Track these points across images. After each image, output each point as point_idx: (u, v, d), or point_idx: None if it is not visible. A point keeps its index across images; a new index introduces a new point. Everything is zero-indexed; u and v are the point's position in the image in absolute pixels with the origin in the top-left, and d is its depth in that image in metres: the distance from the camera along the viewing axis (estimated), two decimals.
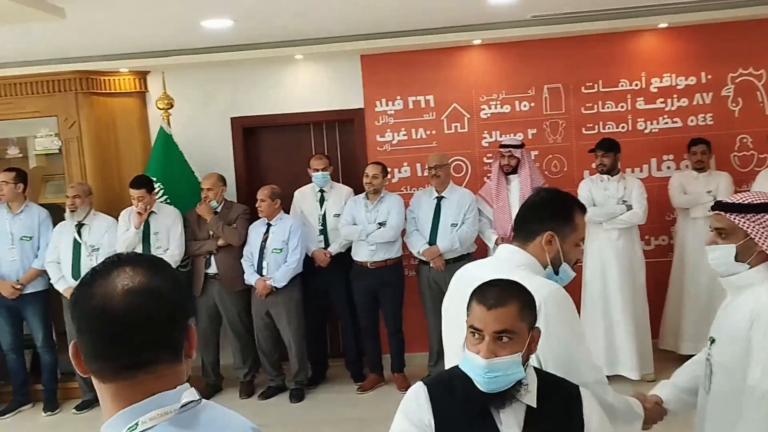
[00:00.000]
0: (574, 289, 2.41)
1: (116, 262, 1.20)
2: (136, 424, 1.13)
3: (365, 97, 5.74)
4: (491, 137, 5.70)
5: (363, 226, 5.22)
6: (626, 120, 5.60)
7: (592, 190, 5.12)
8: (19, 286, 5.18)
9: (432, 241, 5.17)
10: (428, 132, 5.74)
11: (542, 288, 1.92)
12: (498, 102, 5.68)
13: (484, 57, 5.67)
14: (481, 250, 5.33)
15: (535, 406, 1.73)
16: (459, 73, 5.68)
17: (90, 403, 5.26)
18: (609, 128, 5.59)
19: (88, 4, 3.64)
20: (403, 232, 5.32)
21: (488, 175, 5.51)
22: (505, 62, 5.64)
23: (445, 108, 5.71)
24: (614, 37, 5.47)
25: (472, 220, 5.17)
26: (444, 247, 5.12)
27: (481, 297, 1.73)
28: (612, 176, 5.11)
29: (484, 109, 5.69)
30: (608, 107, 5.61)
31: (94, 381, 1.19)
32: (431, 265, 5.15)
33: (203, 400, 1.22)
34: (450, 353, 2.16)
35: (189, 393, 1.19)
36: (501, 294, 1.72)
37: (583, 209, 2.16)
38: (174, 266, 5.10)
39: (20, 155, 5.74)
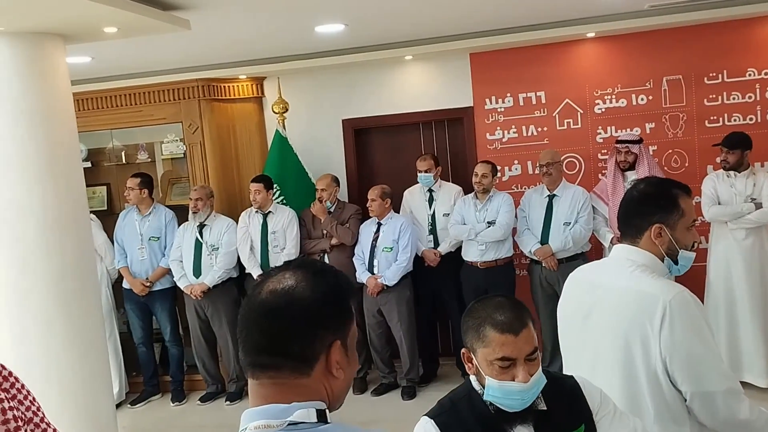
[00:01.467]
0: (697, 290, 2.29)
1: (290, 263, 1.24)
2: (245, 429, 1.14)
3: (474, 95, 5.71)
4: (606, 133, 5.52)
5: (472, 225, 5.19)
6: (755, 111, 5.27)
7: (717, 187, 4.84)
8: (148, 284, 5.52)
9: (544, 241, 5.07)
10: (539, 129, 5.64)
11: (666, 291, 1.84)
12: (613, 96, 5.49)
13: (598, 50, 5.50)
14: (595, 249, 5.18)
15: (545, 408, 1.69)
16: (571, 67, 5.54)
17: (213, 395, 5.54)
18: (735, 120, 5.28)
19: (212, 16, 3.83)
20: (514, 231, 5.26)
21: (603, 172, 5.35)
22: (621, 55, 5.45)
23: (557, 104, 5.59)
24: (738, 23, 5.17)
25: (586, 219, 5.03)
26: (556, 246, 5.01)
27: (501, 326, 1.65)
28: (739, 172, 4.81)
29: (598, 103, 5.53)
30: (734, 98, 5.30)
31: None
32: (543, 264, 5.06)
33: (327, 425, 1.14)
34: (568, 357, 2.12)
35: (303, 413, 1.13)
36: (516, 316, 1.66)
37: (686, 191, 2.04)
38: None
39: (149, 160, 6.11)
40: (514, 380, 1.63)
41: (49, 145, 3.56)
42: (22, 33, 3.45)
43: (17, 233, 3.49)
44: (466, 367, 1.74)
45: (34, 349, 3.50)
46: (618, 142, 5.09)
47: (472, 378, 1.74)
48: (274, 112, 5.76)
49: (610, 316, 1.94)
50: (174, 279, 5.48)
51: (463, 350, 1.74)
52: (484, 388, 1.68)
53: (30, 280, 3.52)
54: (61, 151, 3.63)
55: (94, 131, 5.79)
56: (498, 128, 5.70)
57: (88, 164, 5.90)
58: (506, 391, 1.64)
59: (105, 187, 6.18)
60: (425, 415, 1.77)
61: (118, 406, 5.04)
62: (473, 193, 5.29)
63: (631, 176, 4.98)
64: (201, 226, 5.42)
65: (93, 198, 5.96)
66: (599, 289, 2.00)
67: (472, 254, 5.24)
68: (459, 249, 5.39)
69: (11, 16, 3.20)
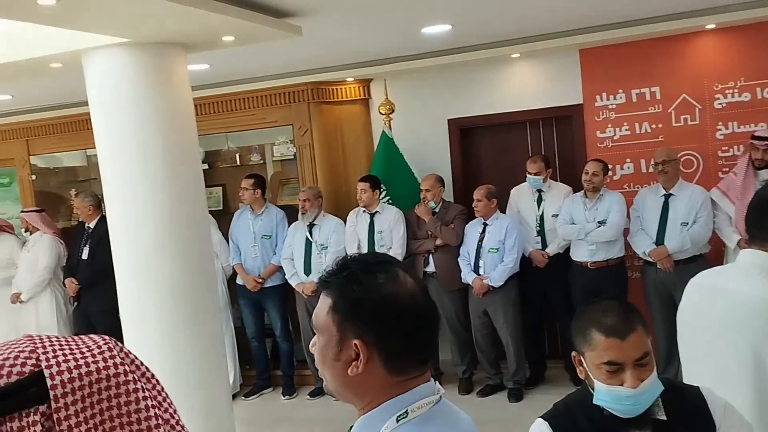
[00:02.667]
0: None
1: (391, 261, 1.29)
2: (406, 412, 1.20)
3: (584, 92, 5.56)
4: (727, 129, 5.24)
5: (582, 225, 5.07)
6: None
7: None
8: (260, 280, 5.73)
9: (659, 241, 4.88)
10: (653, 126, 5.42)
11: None
12: (735, 90, 5.20)
13: (718, 42, 5.22)
14: (714, 251, 4.93)
15: (665, 418, 1.61)
16: (688, 61, 5.29)
17: (321, 390, 5.67)
18: None
19: (322, 22, 3.93)
20: (626, 232, 5.08)
21: (724, 170, 5.08)
22: (744, 46, 5.15)
23: (672, 100, 5.35)
24: None
25: (705, 219, 4.79)
26: (673, 247, 4.81)
27: (607, 330, 1.61)
28: None
29: (718, 98, 5.25)
30: None
31: (372, 374, 1.20)
32: (658, 266, 4.86)
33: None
34: (690, 367, 2.03)
35: (438, 385, 1.28)
36: (624, 319, 1.61)
37: None
38: None
39: (261, 161, 6.35)
40: (622, 385, 1.60)
41: (172, 149, 3.76)
42: (148, 44, 3.66)
43: (143, 232, 3.71)
44: (578, 370, 1.72)
45: (156, 343, 3.70)
46: (755, 138, 4.78)
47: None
48: (380, 113, 5.84)
49: (739, 326, 1.84)
50: (285, 277, 5.65)
51: (573, 353, 1.73)
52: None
53: (154, 277, 3.73)
54: (183, 154, 3.83)
55: (211, 134, 6.06)
56: (609, 126, 5.53)
57: (205, 166, 6.17)
58: (614, 396, 1.61)
59: (221, 188, 6.47)
60: (540, 417, 1.76)
61: (233, 397, 5.26)
62: (582, 192, 5.16)
63: (764, 175, 4.68)
64: (311, 226, 5.57)
65: (209, 198, 6.24)
66: (725, 297, 1.90)
67: (581, 254, 5.11)
68: (567, 249, 5.27)
69: (138, 28, 3.40)
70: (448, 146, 6.04)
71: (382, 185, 5.61)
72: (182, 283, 3.75)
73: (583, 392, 1.73)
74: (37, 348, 0.80)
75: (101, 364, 0.80)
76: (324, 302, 1.24)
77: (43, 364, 0.78)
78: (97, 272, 5.52)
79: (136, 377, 0.82)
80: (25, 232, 6.33)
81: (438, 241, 5.42)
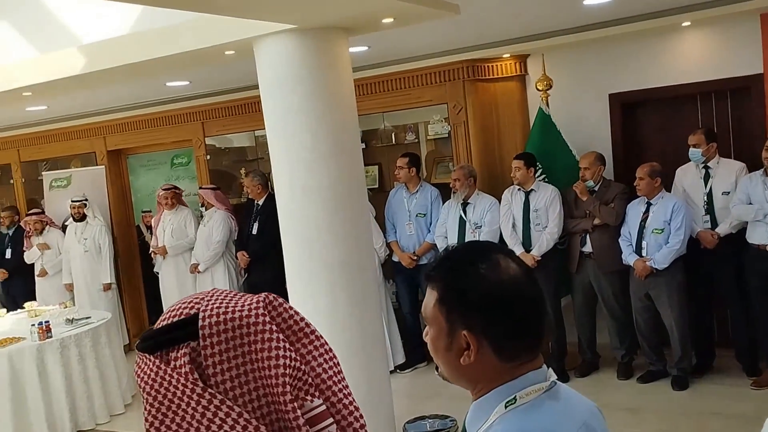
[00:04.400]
0: None
1: (492, 249, 1.29)
2: (515, 398, 1.22)
3: (765, 60, 5.11)
4: None
5: (760, 205, 4.69)
6: None
7: None
8: (415, 258, 5.85)
9: None
10: None
11: None
12: None
13: None
14: None
15: None
16: None
17: None
18: None
19: None
20: None
21: None
22: None
23: None
24: None
25: None
26: None
27: None
28: None
29: None
30: None
31: (483, 362, 1.22)
32: None
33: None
34: None
35: (551, 372, 1.27)
36: None
37: None
38: (552, 244, 5.29)
39: (415, 140, 6.44)
40: None
41: (335, 130, 3.91)
42: (313, 29, 3.82)
43: (309, 210, 3.91)
44: None
45: (321, 317, 3.88)
46: None
47: None
48: (537, 89, 5.72)
49: None
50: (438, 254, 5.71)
51: None
52: None
53: (319, 253, 3.92)
54: (345, 135, 3.98)
55: (367, 114, 6.23)
56: None
57: (362, 145, 6.35)
58: None
59: (376, 167, 6.64)
60: None
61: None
62: (761, 170, 4.77)
63: None
64: (464, 204, 5.59)
65: (366, 177, 6.41)
66: None
67: (759, 237, 4.74)
68: (740, 231, 4.91)
69: (304, 14, 3.56)
70: (609, 122, 5.80)
71: (537, 163, 5.50)
72: (345, 258, 3.92)
73: None
74: (204, 299, 0.99)
75: (245, 314, 0.96)
76: (431, 295, 1.26)
77: (202, 308, 0.97)
78: (265, 247, 5.90)
79: (274, 329, 0.97)
80: (201, 206, 6.87)
81: (596, 221, 5.25)
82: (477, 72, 5.81)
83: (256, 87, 4.09)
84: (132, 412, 5.81)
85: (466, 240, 5.54)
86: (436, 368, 1.32)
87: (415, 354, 6.05)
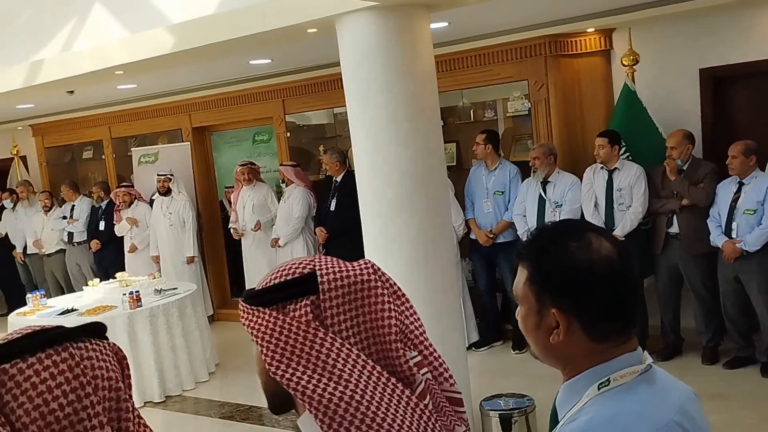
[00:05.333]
0: None
1: (584, 227, 1.27)
2: (608, 380, 1.20)
3: None
4: None
5: None
6: None
7: None
8: (491, 236, 5.81)
9: None
10: None
11: None
12: None
13: None
14: None
15: None
16: None
17: None
18: None
19: None
20: None
21: None
22: None
23: None
24: None
25: None
26: None
27: None
28: None
29: None
30: None
31: (573, 341, 1.21)
32: None
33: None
34: None
35: (646, 355, 1.25)
36: None
37: None
38: (635, 224, 5.16)
39: (494, 117, 6.36)
40: None
41: (415, 108, 3.91)
42: (394, 6, 3.81)
43: (388, 188, 3.93)
44: None
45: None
46: None
47: None
48: (623, 64, 5.54)
49: None
50: (518, 233, 5.66)
51: None
52: None
53: (398, 230, 3.95)
54: (425, 113, 3.97)
55: (446, 91, 6.18)
56: None
57: (441, 123, 6.33)
58: None
59: (454, 144, 6.60)
60: None
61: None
62: None
63: None
64: (544, 183, 5.50)
65: (445, 154, 6.40)
66: None
67: None
68: None
69: None
70: (699, 99, 5.56)
71: (622, 141, 5.35)
72: (424, 235, 3.93)
73: None
74: (315, 259, 1.14)
75: (358, 273, 1.11)
76: (521, 273, 1.26)
77: (318, 267, 1.11)
78: (343, 223, 5.98)
79: (384, 287, 1.12)
80: (282, 183, 7.02)
81: (684, 201, 5.07)
82: (559, 47, 5.68)
83: (336, 65, 4.13)
84: (215, 381, 6.05)
85: (546, 219, 5.47)
86: (529, 347, 1.32)
87: (491, 332, 6.04)
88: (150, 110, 8.10)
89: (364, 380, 1.05)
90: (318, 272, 1.10)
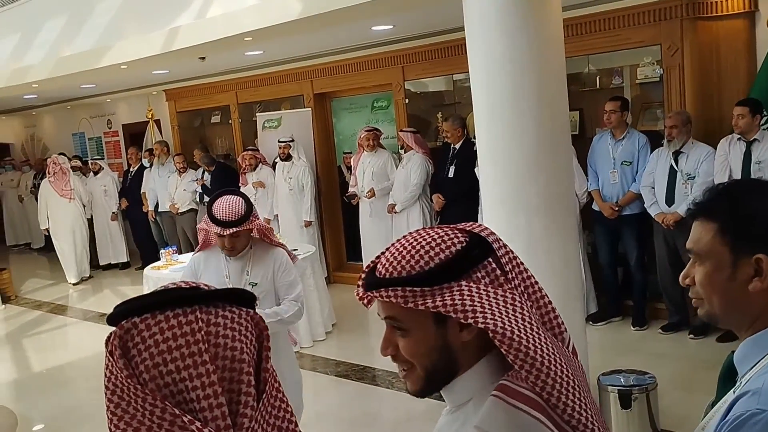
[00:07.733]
0: None
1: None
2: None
3: None
4: None
5: None
6: None
7: None
8: (616, 208, 5.60)
9: None
10: None
11: None
12: None
13: None
14: None
15: None
16: None
17: (675, 326, 5.42)
18: None
19: None
20: None
21: None
22: None
23: None
24: None
25: None
26: None
27: None
28: None
29: None
30: None
31: None
32: None
33: None
34: None
35: None
36: None
37: None
38: None
39: (621, 84, 6.08)
40: None
41: (541, 75, 3.80)
42: None
43: (511, 156, 3.86)
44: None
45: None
46: None
47: None
48: None
49: None
50: (645, 205, 5.43)
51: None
52: None
53: (518, 198, 3.88)
54: (551, 80, 3.86)
55: (570, 57, 5.93)
56: None
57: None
58: None
59: (578, 112, 6.38)
60: None
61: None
62: None
63: None
64: (676, 154, 5.23)
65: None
66: None
67: None
68: None
69: None
70: None
71: (764, 110, 4.98)
72: (546, 205, 3.85)
73: None
74: (459, 228, 1.19)
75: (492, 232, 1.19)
76: (705, 228, 1.25)
77: (478, 229, 1.18)
78: (460, 190, 5.94)
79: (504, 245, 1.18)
80: (401, 149, 7.06)
81: None
82: (698, 9, 5.33)
83: (457, 30, 4.08)
84: (332, 340, 6.25)
85: (677, 192, 5.22)
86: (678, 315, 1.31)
87: (612, 307, 5.86)
88: (274, 76, 8.34)
89: (544, 333, 1.11)
90: (482, 234, 1.17)
